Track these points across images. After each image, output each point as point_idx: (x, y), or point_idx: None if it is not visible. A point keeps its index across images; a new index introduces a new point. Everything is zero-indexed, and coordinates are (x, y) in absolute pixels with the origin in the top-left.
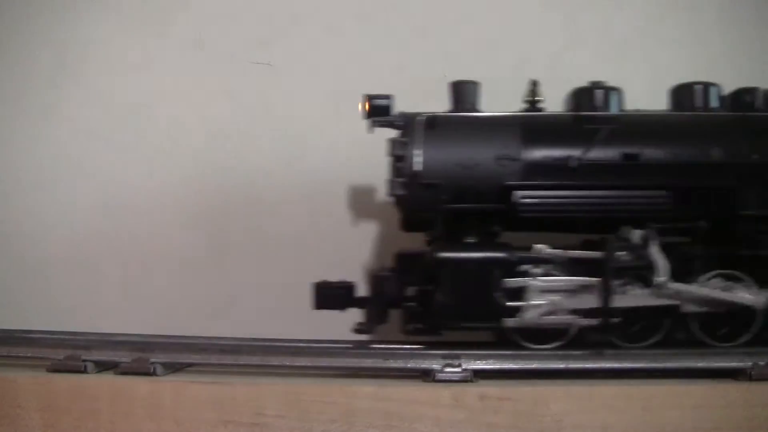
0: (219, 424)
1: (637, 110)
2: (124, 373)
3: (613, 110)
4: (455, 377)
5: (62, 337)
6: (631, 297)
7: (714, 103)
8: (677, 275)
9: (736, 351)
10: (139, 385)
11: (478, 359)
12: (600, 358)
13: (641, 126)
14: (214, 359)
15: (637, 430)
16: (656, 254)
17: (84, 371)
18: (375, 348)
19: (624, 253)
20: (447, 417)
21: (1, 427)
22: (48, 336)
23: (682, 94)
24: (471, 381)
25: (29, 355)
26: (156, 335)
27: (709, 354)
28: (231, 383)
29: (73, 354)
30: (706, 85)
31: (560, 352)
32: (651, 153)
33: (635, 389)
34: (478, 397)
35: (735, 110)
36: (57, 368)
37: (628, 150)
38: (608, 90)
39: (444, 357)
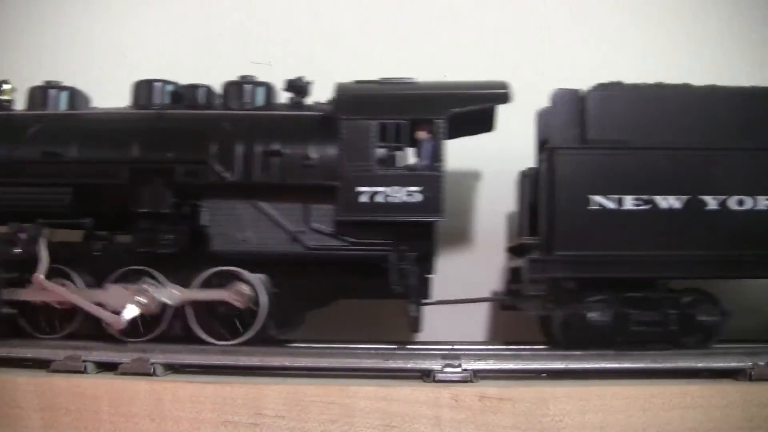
0: (219, 424)
1: (92, 109)
2: (124, 373)
3: (62, 108)
4: (455, 377)
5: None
6: (24, 291)
7: (162, 99)
8: (94, 271)
9: (736, 351)
10: (139, 385)
11: (478, 359)
12: (600, 358)
13: (71, 124)
14: (214, 359)
15: (637, 430)
16: (42, 250)
17: (84, 371)
18: (375, 348)
19: (16, 246)
20: (447, 417)
21: (1, 427)
22: (48, 336)
23: (139, 90)
24: (471, 381)
25: (29, 355)
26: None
27: (709, 354)
28: (231, 383)
29: (73, 354)
30: (164, 83)
31: (560, 353)
32: (67, 151)
33: (635, 389)
34: (478, 397)
35: (185, 108)
36: (57, 368)
37: (49, 148)
38: (60, 89)
39: (444, 357)
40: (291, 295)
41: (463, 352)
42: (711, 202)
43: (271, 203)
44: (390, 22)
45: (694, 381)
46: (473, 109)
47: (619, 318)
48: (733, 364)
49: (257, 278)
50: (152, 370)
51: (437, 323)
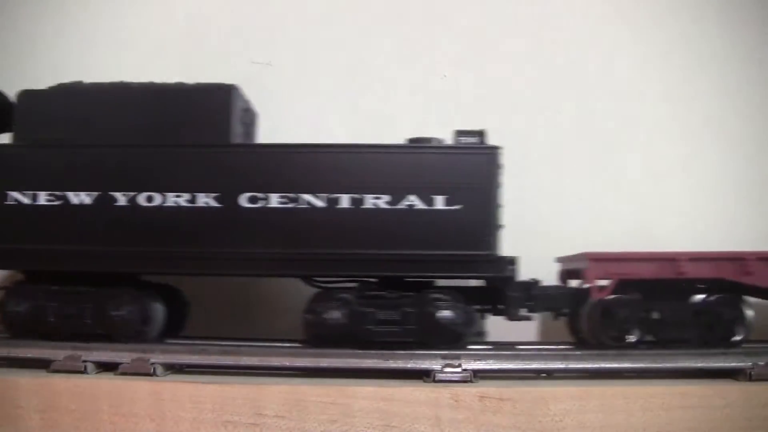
0: (219, 424)
1: None
2: (124, 373)
3: None
4: (455, 377)
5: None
6: None
7: None
8: None
9: (736, 351)
10: (139, 385)
11: (478, 359)
12: (600, 358)
13: None
14: (214, 359)
15: (637, 430)
16: None
17: (84, 372)
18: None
19: None
20: (447, 417)
21: (2, 427)
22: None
23: None
24: (471, 381)
25: (29, 355)
26: (156, 336)
27: (709, 354)
28: (231, 383)
29: (73, 354)
30: None
31: (560, 353)
32: None
33: (635, 389)
34: (478, 397)
35: None
36: (57, 368)
37: None
38: None
39: (444, 357)
40: None
41: (463, 352)
42: (121, 198)
43: None
44: (390, 25)
45: (694, 381)
46: None
47: (36, 310)
48: (733, 364)
49: None
50: (152, 370)
51: None
